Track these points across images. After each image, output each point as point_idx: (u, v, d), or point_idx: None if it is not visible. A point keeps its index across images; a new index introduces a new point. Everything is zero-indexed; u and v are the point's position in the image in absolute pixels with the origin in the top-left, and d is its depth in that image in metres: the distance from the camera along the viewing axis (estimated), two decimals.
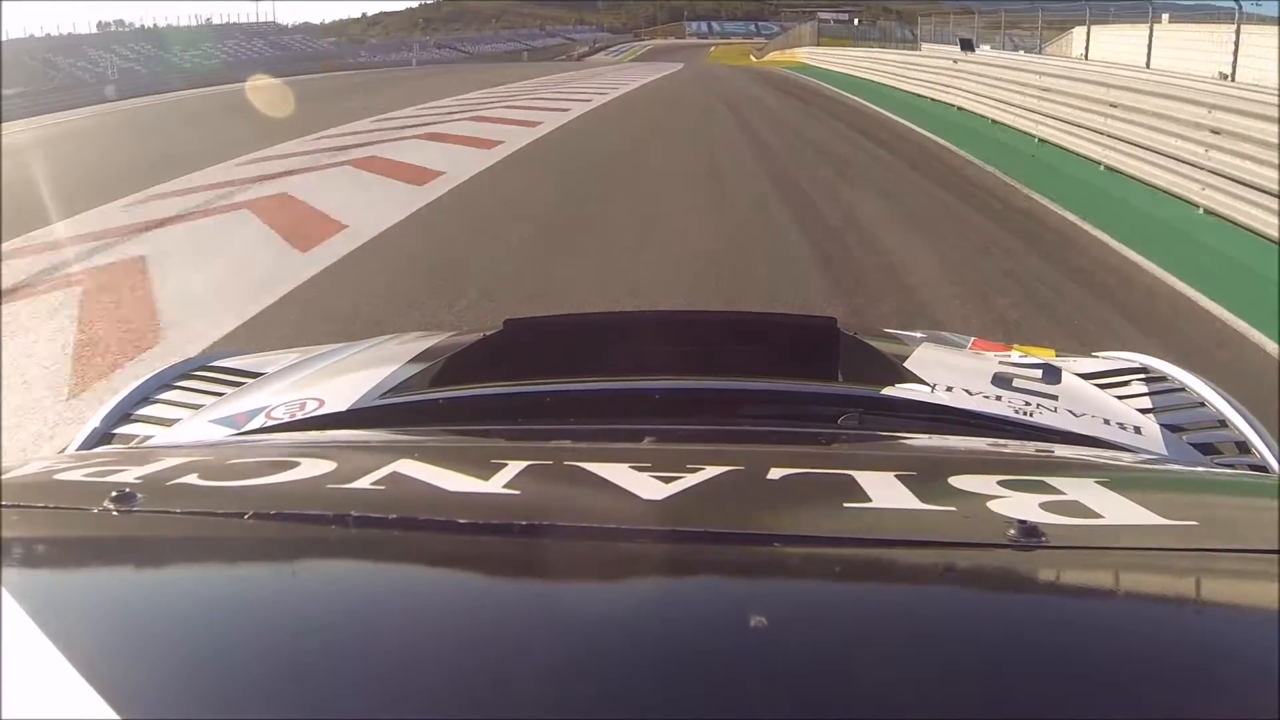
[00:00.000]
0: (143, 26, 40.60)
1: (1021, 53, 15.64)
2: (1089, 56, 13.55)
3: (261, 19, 48.37)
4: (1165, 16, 13.39)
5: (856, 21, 45.54)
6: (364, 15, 77.00)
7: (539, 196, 7.66)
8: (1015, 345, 1.43)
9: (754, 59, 45.12)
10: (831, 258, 5.45)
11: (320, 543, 0.56)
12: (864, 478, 0.64)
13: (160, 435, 1.19)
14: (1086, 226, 6.18)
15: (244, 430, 1.09)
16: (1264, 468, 1.08)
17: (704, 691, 0.40)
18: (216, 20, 44.19)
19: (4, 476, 0.70)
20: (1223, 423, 1.17)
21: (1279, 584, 0.52)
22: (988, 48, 16.49)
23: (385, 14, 76.69)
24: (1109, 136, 8.04)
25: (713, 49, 61.82)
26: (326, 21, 64.96)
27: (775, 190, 7.71)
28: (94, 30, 37.65)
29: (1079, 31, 17.04)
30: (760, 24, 78.76)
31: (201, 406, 1.26)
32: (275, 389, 1.25)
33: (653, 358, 1.38)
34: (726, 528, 0.57)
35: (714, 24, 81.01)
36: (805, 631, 0.45)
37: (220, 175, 8.67)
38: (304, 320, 4.38)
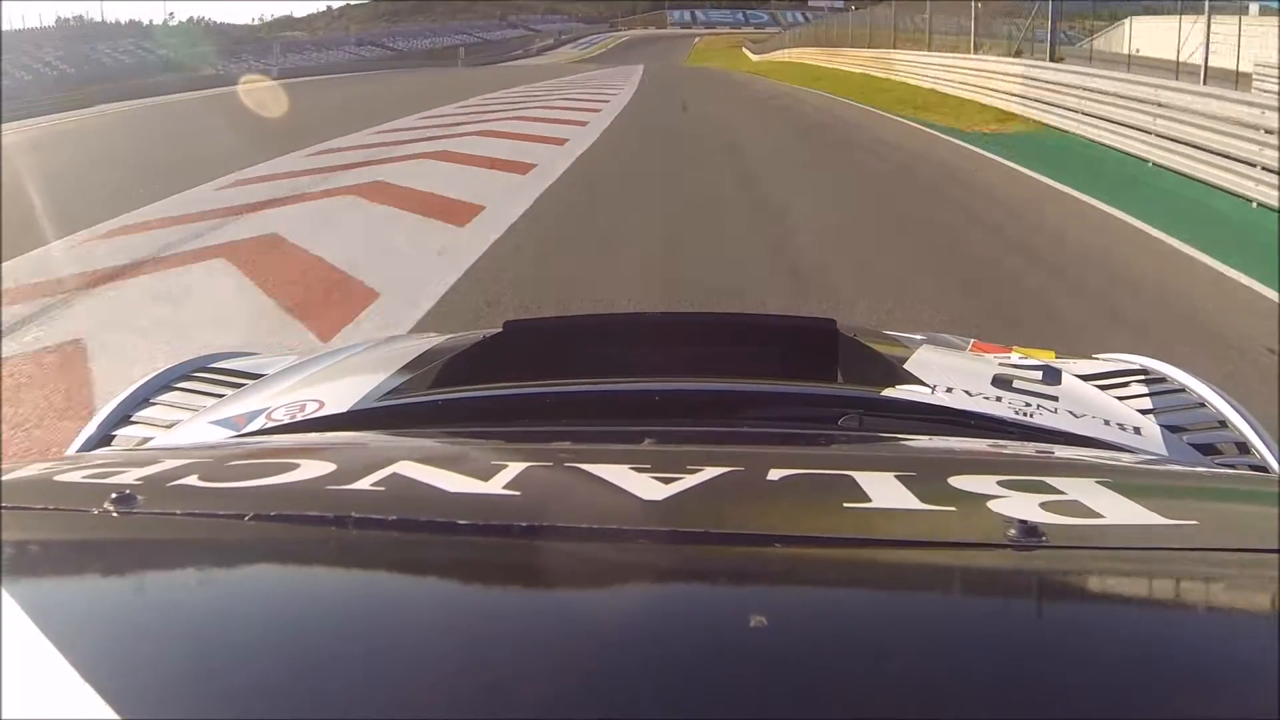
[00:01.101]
0: None
1: None
2: (1141, 52, 9.75)
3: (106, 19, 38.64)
4: (1254, 8, 9.55)
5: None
6: (329, 9, 73.14)
7: None
8: (1015, 347, 1.43)
9: (752, 57, 38.21)
10: None
11: (320, 544, 0.57)
12: (864, 478, 0.64)
13: (160, 437, 1.20)
14: None
15: (244, 432, 1.10)
16: (1264, 468, 1.08)
17: (704, 692, 0.40)
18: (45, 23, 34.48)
19: (4, 478, 0.70)
20: (1223, 423, 1.18)
21: (1279, 584, 0.52)
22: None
23: (351, 6, 72.60)
24: None
25: (697, 41, 57.66)
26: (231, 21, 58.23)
27: None
28: None
29: (1132, 24, 13.18)
30: (748, 12, 74.62)
31: (201, 408, 1.27)
32: (275, 390, 1.25)
33: (652, 359, 1.40)
34: (726, 528, 0.57)
35: (698, 12, 76.55)
36: (805, 631, 0.45)
37: None
38: None
